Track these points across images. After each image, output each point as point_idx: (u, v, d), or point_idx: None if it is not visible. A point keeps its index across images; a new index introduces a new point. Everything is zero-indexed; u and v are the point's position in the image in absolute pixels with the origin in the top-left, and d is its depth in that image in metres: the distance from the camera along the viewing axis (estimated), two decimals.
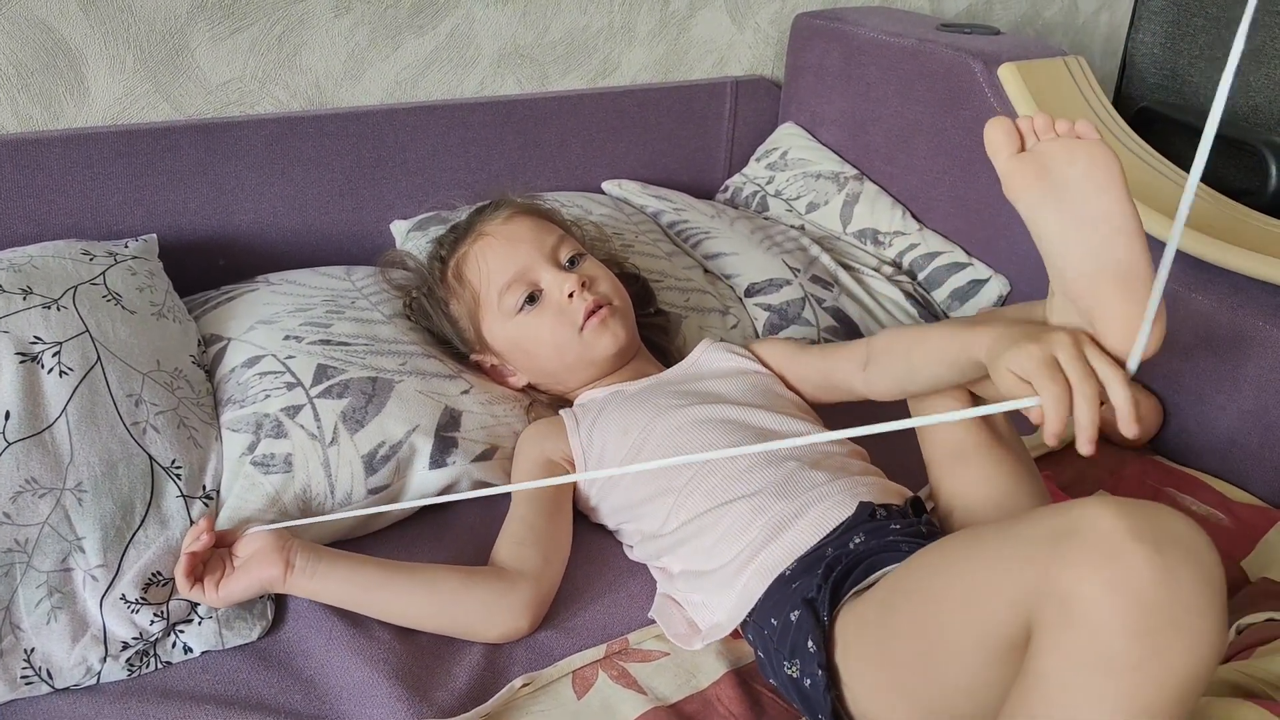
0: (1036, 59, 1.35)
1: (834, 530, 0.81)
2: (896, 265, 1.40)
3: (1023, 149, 0.74)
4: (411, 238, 1.32)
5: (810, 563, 0.79)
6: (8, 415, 0.86)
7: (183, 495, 0.90)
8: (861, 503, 0.82)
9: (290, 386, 0.99)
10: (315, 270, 1.22)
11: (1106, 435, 1.15)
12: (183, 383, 0.99)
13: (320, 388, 0.99)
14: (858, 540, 0.80)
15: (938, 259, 1.38)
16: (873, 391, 0.94)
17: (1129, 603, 0.52)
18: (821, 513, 0.83)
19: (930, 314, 1.33)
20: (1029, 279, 1.32)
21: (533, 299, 1.03)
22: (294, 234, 1.30)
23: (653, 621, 0.88)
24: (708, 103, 1.57)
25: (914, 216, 1.43)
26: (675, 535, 0.89)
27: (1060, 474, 1.10)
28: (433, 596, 0.84)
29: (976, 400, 0.89)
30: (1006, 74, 1.32)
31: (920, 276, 1.39)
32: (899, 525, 0.80)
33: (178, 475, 0.91)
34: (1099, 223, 0.70)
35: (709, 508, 0.87)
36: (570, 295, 1.01)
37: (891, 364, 0.90)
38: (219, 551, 0.86)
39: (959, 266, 1.36)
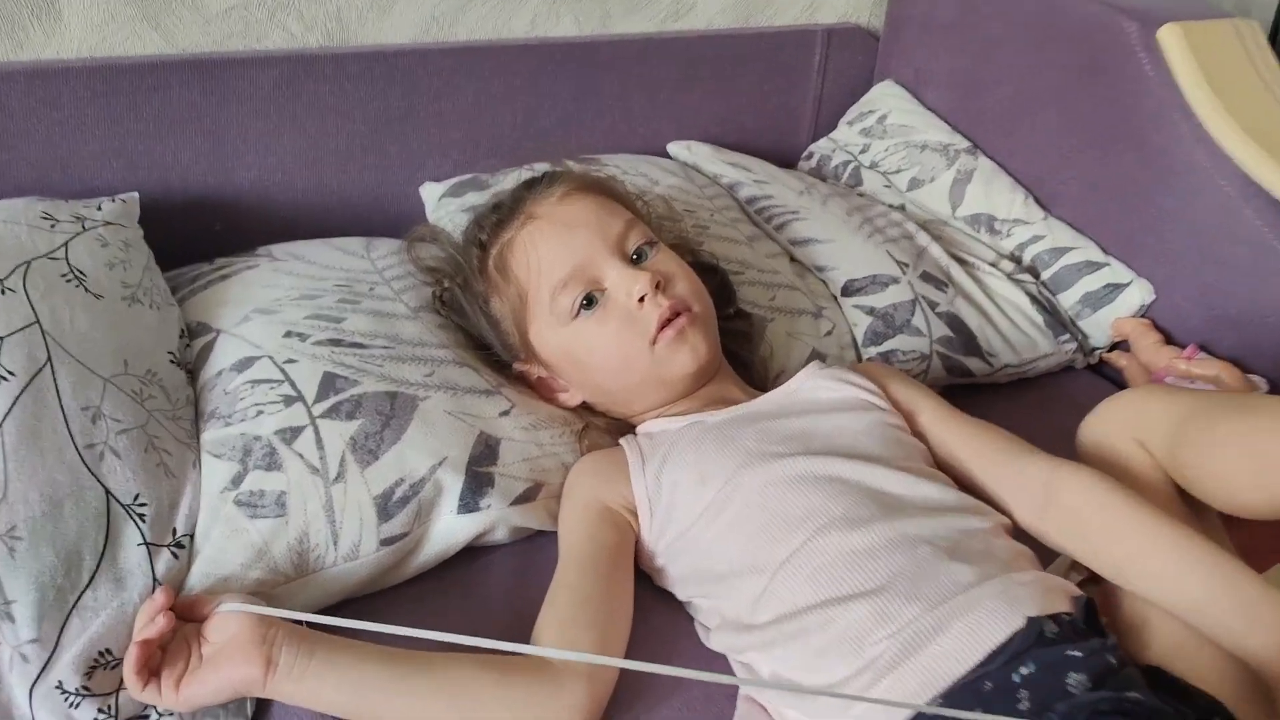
0: (1201, 19, 1.12)
1: (991, 654, 0.61)
2: (1016, 260, 1.18)
3: None
4: (444, 204, 1.11)
5: (961, 697, 0.60)
6: None
7: (146, 543, 0.71)
8: (1029, 619, 0.62)
9: (289, 401, 0.79)
10: (329, 243, 1.02)
11: None
12: (156, 389, 0.79)
13: (326, 404, 0.79)
14: (1026, 671, 0.60)
15: (1066, 255, 1.16)
16: (1045, 540, 0.75)
17: None
18: (971, 627, 0.62)
19: (1058, 321, 1.11)
20: (1181, 286, 1.10)
21: (591, 300, 0.82)
22: (305, 196, 1.09)
23: None
24: (794, 54, 1.34)
25: (1038, 202, 1.21)
26: (766, 631, 0.69)
27: None
28: (455, 706, 0.65)
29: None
30: (1168, 36, 1.08)
31: (1044, 275, 1.16)
32: (1079, 651, 0.60)
33: (141, 516, 0.72)
34: None
35: (814, 603, 0.67)
36: (641, 300, 0.81)
37: (1086, 547, 0.72)
38: (185, 630, 0.67)
39: (1093, 266, 1.14)
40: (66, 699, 0.65)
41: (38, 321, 0.75)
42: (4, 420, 0.69)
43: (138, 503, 0.72)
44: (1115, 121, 1.13)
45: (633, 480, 0.79)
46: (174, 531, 0.73)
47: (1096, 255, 1.15)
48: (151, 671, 0.64)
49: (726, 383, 0.88)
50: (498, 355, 0.89)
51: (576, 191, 0.88)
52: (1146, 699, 0.59)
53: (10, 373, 0.71)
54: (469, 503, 0.78)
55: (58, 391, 0.73)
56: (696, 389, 0.86)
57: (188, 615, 0.69)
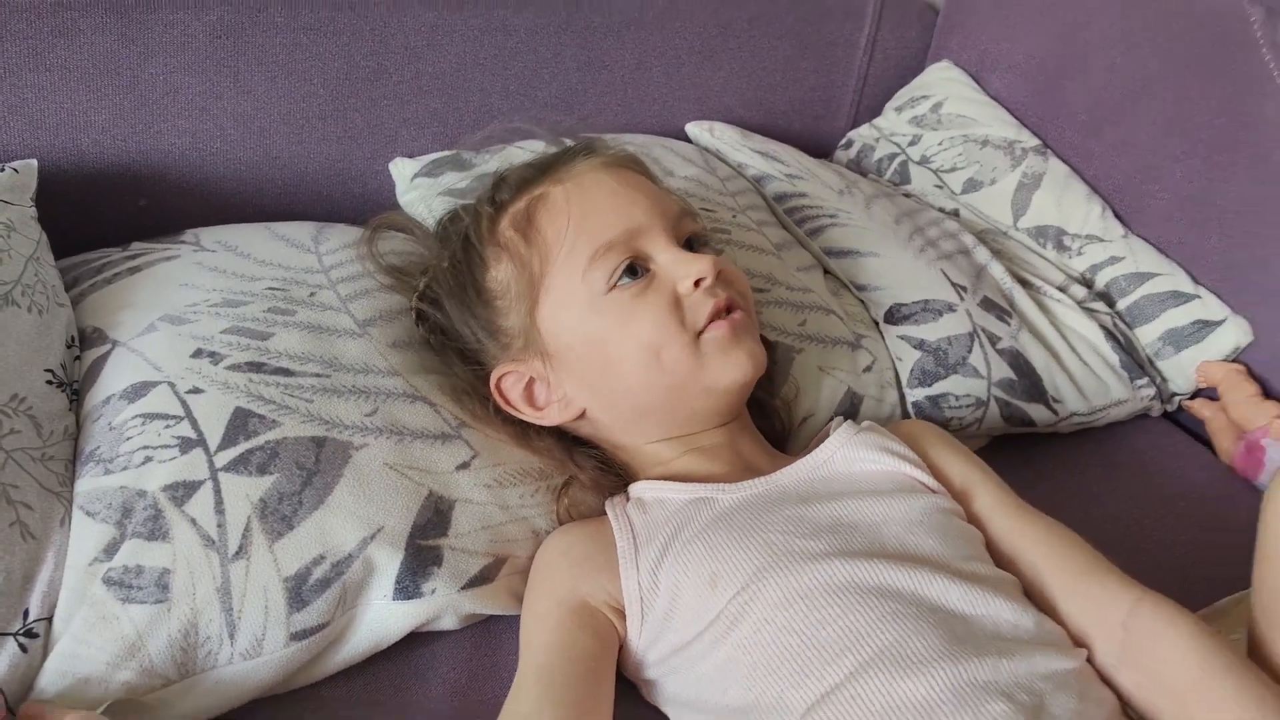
0: None
1: None
2: (1087, 284, 1.01)
3: None
4: (417, 185, 0.93)
5: None
6: None
7: None
8: None
9: (186, 446, 0.62)
10: (270, 228, 0.85)
11: None
12: (22, 421, 0.63)
13: (233, 452, 0.62)
14: None
15: (1149, 282, 0.98)
16: (1113, 679, 0.58)
17: None
18: None
19: (1134, 361, 0.93)
20: None
21: (634, 272, 0.66)
22: (247, 169, 0.92)
23: None
24: (839, 24, 1.17)
25: (1118, 217, 1.03)
26: None
27: None
28: None
29: None
30: None
31: (1120, 305, 0.99)
32: None
33: None
34: None
35: None
36: (697, 284, 0.66)
37: (1160, 704, 0.56)
38: None
39: (1180, 298, 0.96)
40: None
41: None
42: None
43: None
44: (1227, 127, 0.96)
45: (622, 572, 0.62)
46: (25, 615, 0.57)
47: (1185, 285, 0.97)
48: None
49: (743, 436, 0.71)
50: (472, 368, 0.71)
51: (626, 165, 0.74)
52: None
53: None
54: (408, 587, 0.62)
55: None
56: (719, 423, 0.70)
57: None
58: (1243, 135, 0.93)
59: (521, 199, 0.72)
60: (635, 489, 0.69)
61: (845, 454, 0.67)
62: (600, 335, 0.67)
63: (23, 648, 0.56)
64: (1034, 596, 0.62)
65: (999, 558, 0.64)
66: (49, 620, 0.58)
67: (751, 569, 0.58)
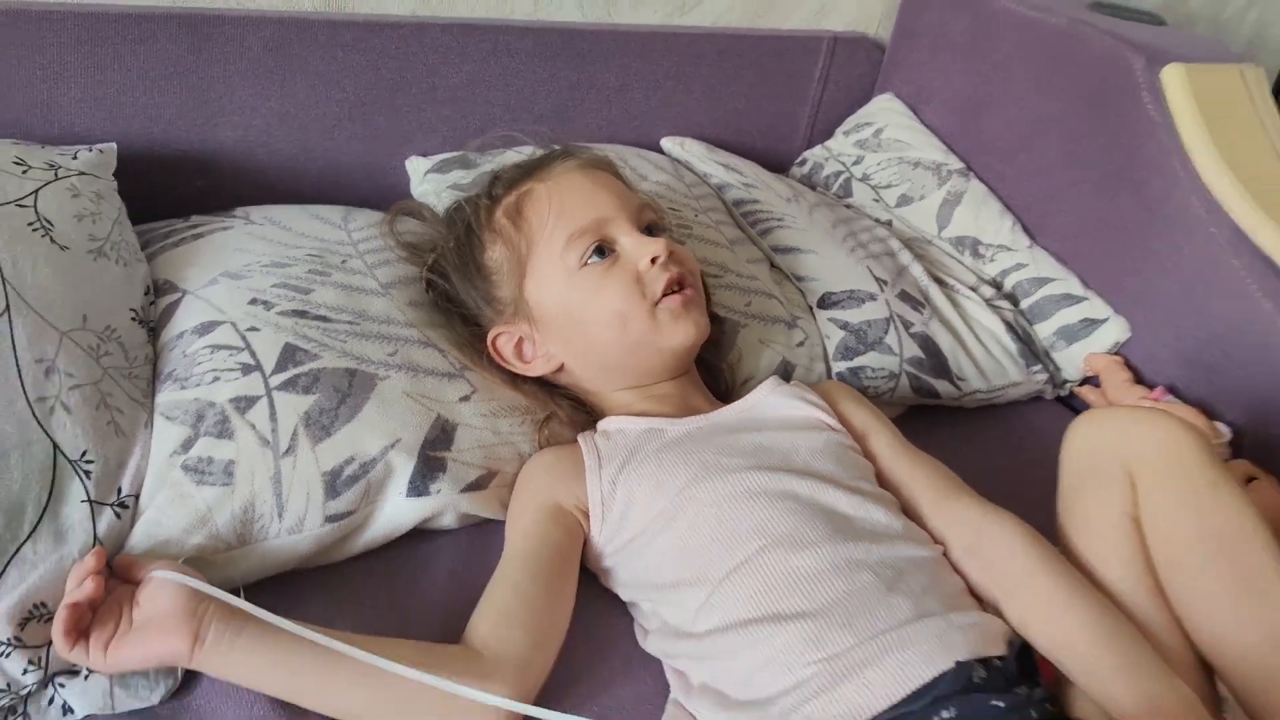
0: (1208, 63, 1.11)
1: (916, 692, 0.61)
2: (996, 286, 1.18)
3: None
4: (429, 180, 1.10)
5: None
6: None
7: (90, 500, 0.71)
8: (958, 663, 0.62)
9: (246, 369, 0.78)
10: (306, 209, 1.01)
11: None
12: (114, 346, 0.79)
13: (284, 376, 0.78)
14: (948, 715, 0.60)
15: (1047, 286, 1.16)
16: (964, 579, 0.74)
17: None
18: (900, 665, 0.62)
19: (1031, 351, 1.11)
20: (1157, 328, 1.10)
21: (602, 252, 0.83)
22: (288, 161, 1.08)
23: None
24: (798, 59, 1.34)
25: (1025, 230, 1.20)
26: (702, 642, 0.69)
27: None
28: (381, 690, 0.64)
29: None
30: (1172, 77, 1.08)
31: (1023, 304, 1.16)
32: (1003, 703, 0.60)
33: (87, 472, 0.71)
34: None
35: (750, 618, 0.67)
36: (654, 261, 0.81)
37: (998, 593, 0.72)
38: (118, 593, 0.67)
39: (1072, 299, 1.14)
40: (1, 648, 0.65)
41: (2, 273, 0.74)
42: None
43: (85, 459, 0.71)
44: (1114, 158, 1.13)
45: (588, 482, 0.79)
46: (119, 491, 0.73)
47: (1077, 289, 1.15)
48: (80, 633, 0.64)
49: (691, 388, 0.88)
50: (470, 332, 0.88)
51: (598, 166, 0.90)
52: None
53: None
54: (419, 486, 0.78)
55: (13, 342, 0.72)
56: (671, 376, 0.86)
57: (123, 576, 0.68)
58: (1126, 166, 1.11)
59: (512, 193, 0.88)
60: (602, 423, 0.85)
61: (769, 400, 0.84)
62: (575, 304, 0.84)
63: (117, 515, 0.72)
64: (909, 513, 0.79)
65: (885, 483, 0.81)
66: (136, 497, 0.74)
67: (688, 478, 0.75)
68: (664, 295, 0.82)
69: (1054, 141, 1.18)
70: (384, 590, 0.78)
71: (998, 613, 0.71)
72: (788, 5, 1.32)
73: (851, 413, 0.85)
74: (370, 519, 0.78)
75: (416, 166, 1.13)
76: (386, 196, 1.07)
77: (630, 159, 1.17)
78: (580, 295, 0.83)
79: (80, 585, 0.64)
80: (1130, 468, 0.71)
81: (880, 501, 0.75)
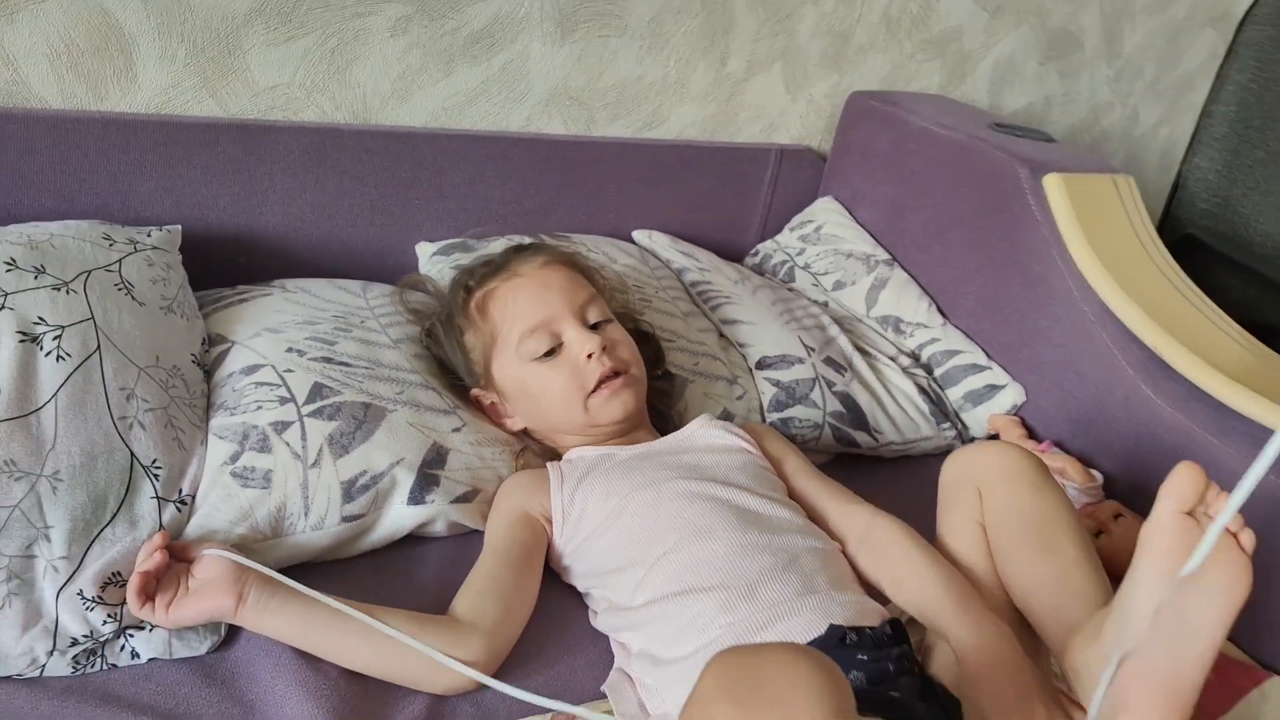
0: (1085, 173, 1.34)
1: None
2: (914, 357, 1.38)
3: (1192, 514, 0.71)
4: (435, 261, 1.32)
5: None
6: (5, 392, 0.86)
7: (158, 497, 0.90)
8: (832, 625, 0.80)
9: (283, 401, 0.98)
10: (332, 282, 1.22)
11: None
12: (179, 381, 0.99)
13: (312, 406, 0.98)
14: None
15: (956, 357, 1.36)
16: (856, 565, 0.95)
17: None
18: (787, 630, 0.80)
19: (941, 411, 1.30)
20: (1046, 391, 1.30)
21: (552, 353, 1.02)
22: (319, 243, 1.30)
23: (604, 696, 0.86)
24: (750, 167, 1.57)
25: (940, 310, 1.41)
26: (638, 613, 0.87)
27: None
28: (380, 644, 0.82)
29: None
30: (1051, 184, 1.30)
31: (936, 372, 1.36)
32: (866, 656, 0.78)
33: (156, 476, 0.91)
34: (1189, 633, 0.69)
35: (675, 591, 0.85)
36: (589, 356, 1.01)
37: (880, 569, 0.93)
38: (177, 567, 0.85)
39: (977, 369, 1.34)
40: (84, 604, 0.83)
41: (93, 318, 0.95)
42: (60, 390, 0.89)
43: (154, 465, 0.91)
44: (1007, 250, 1.34)
45: (552, 495, 0.98)
46: (180, 491, 0.92)
47: (981, 360, 1.35)
48: (148, 595, 0.82)
49: (640, 431, 1.07)
50: (461, 382, 1.08)
51: (555, 262, 1.09)
52: (903, 696, 0.76)
53: (68, 354, 0.91)
54: (417, 496, 0.97)
55: (102, 373, 0.92)
56: (620, 434, 1.05)
57: (179, 556, 0.87)
58: (1017, 255, 1.33)
59: (481, 290, 1.09)
60: (565, 454, 1.05)
61: (701, 432, 1.04)
62: (530, 387, 1.04)
63: (179, 509, 0.91)
64: (814, 519, 0.97)
65: (795, 497, 1.00)
66: (193, 496, 0.93)
67: (630, 487, 0.94)
68: (599, 386, 1.01)
69: (960, 236, 1.40)
70: (384, 585, 0.96)
71: (882, 598, 0.90)
72: (741, 122, 1.56)
73: (769, 444, 1.05)
74: (377, 521, 0.97)
75: (424, 250, 1.34)
76: (398, 274, 1.28)
77: (604, 246, 1.39)
78: (534, 380, 1.03)
79: (149, 558, 0.83)
80: (979, 485, 0.91)
81: (785, 506, 0.94)
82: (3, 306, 0.90)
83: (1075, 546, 0.86)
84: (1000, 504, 0.88)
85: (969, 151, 1.40)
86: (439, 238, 1.36)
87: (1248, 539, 0.70)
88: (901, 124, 1.49)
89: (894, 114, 1.50)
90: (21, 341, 0.89)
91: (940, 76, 1.71)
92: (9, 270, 0.93)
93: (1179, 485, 0.71)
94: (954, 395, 1.34)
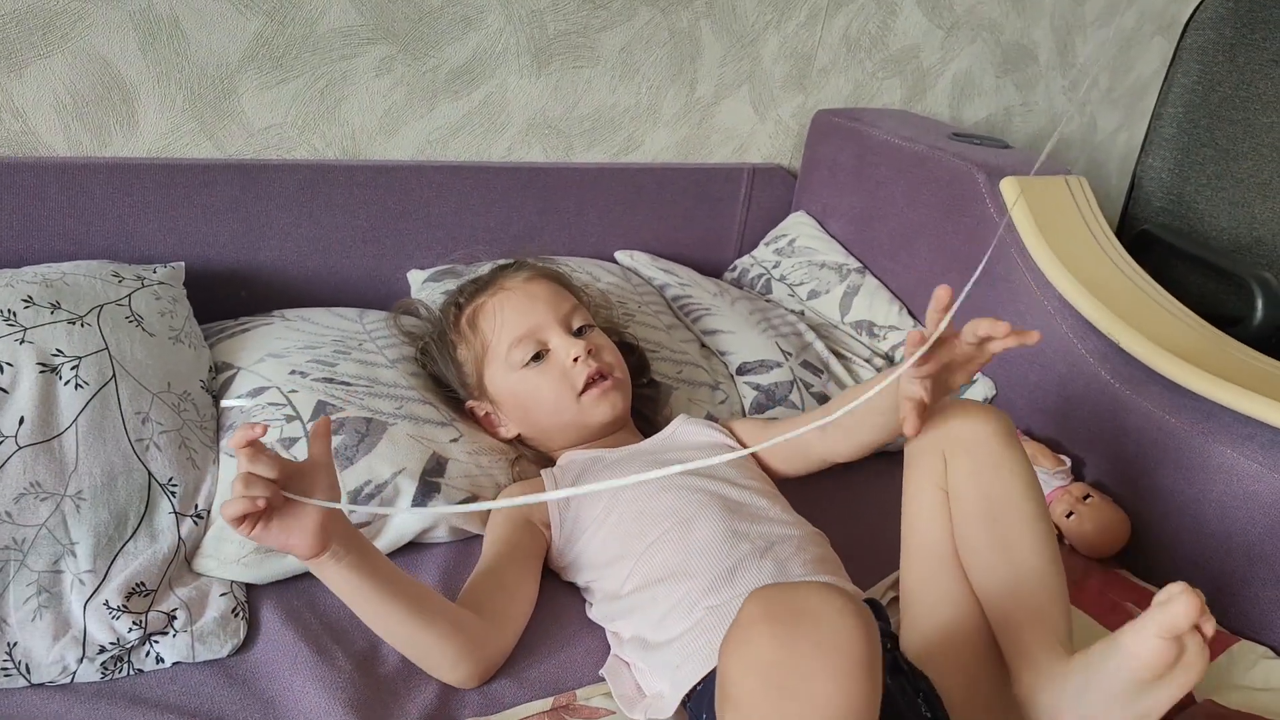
0: (1038, 175, 1.41)
1: None
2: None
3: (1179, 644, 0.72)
4: (426, 287, 1.38)
5: None
6: (22, 420, 0.91)
7: (175, 512, 0.95)
8: None
9: (289, 419, 1.04)
10: (330, 310, 1.28)
11: (1073, 547, 1.19)
12: (189, 405, 1.04)
13: None
14: None
15: None
16: (831, 451, 1.03)
17: (752, 674, 0.61)
18: None
19: None
20: (1014, 384, 1.36)
21: (539, 357, 1.08)
22: (315, 274, 1.36)
23: (602, 679, 0.91)
24: (724, 186, 1.64)
25: (910, 313, 1.48)
26: (629, 600, 0.92)
27: None
28: (417, 618, 0.85)
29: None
30: (1007, 186, 1.38)
31: None
32: None
33: (173, 493, 0.96)
34: (1140, 711, 0.74)
35: (661, 577, 0.91)
36: (575, 360, 1.07)
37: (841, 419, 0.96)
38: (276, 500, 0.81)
39: None
40: (110, 613, 0.88)
41: (107, 348, 1.01)
42: (79, 416, 0.94)
43: (171, 483, 0.96)
44: (972, 251, 1.41)
45: (549, 501, 1.03)
46: (196, 506, 0.98)
47: None
48: (247, 518, 0.76)
49: (626, 431, 1.13)
50: (456, 395, 1.14)
51: (539, 277, 1.16)
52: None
53: (85, 382, 0.97)
54: (419, 503, 1.03)
55: (119, 399, 0.98)
56: (608, 435, 1.11)
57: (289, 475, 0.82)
58: (977, 256, 1.40)
59: (470, 306, 1.15)
60: (560, 459, 1.11)
61: (683, 429, 1.10)
62: (521, 394, 1.10)
63: (195, 522, 0.96)
64: (795, 471, 1.06)
65: (782, 474, 1.07)
66: (208, 512, 0.98)
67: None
68: (587, 387, 1.07)
69: (926, 241, 1.47)
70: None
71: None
72: (713, 144, 1.63)
73: (741, 430, 1.11)
74: (383, 528, 1.02)
75: (416, 277, 1.41)
76: (391, 300, 1.35)
77: (588, 266, 1.45)
78: (524, 388, 1.09)
79: (257, 490, 0.77)
80: (943, 448, 0.93)
81: (764, 495, 1.00)
82: (23, 340, 0.96)
83: (1031, 541, 0.87)
84: (961, 478, 0.91)
85: (929, 160, 1.47)
86: (428, 265, 1.42)
87: (1210, 628, 0.71)
88: (865, 138, 1.57)
89: (857, 129, 1.58)
90: (42, 372, 0.95)
91: (901, 93, 1.79)
92: (27, 307, 0.99)
93: (1175, 615, 0.70)
94: None
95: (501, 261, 1.22)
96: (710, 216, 1.64)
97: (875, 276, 1.53)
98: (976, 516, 0.89)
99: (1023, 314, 1.35)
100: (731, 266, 1.66)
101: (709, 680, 0.81)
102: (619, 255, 1.57)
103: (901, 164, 1.51)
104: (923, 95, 1.82)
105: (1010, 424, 0.95)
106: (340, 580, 0.83)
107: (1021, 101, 1.96)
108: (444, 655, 0.87)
